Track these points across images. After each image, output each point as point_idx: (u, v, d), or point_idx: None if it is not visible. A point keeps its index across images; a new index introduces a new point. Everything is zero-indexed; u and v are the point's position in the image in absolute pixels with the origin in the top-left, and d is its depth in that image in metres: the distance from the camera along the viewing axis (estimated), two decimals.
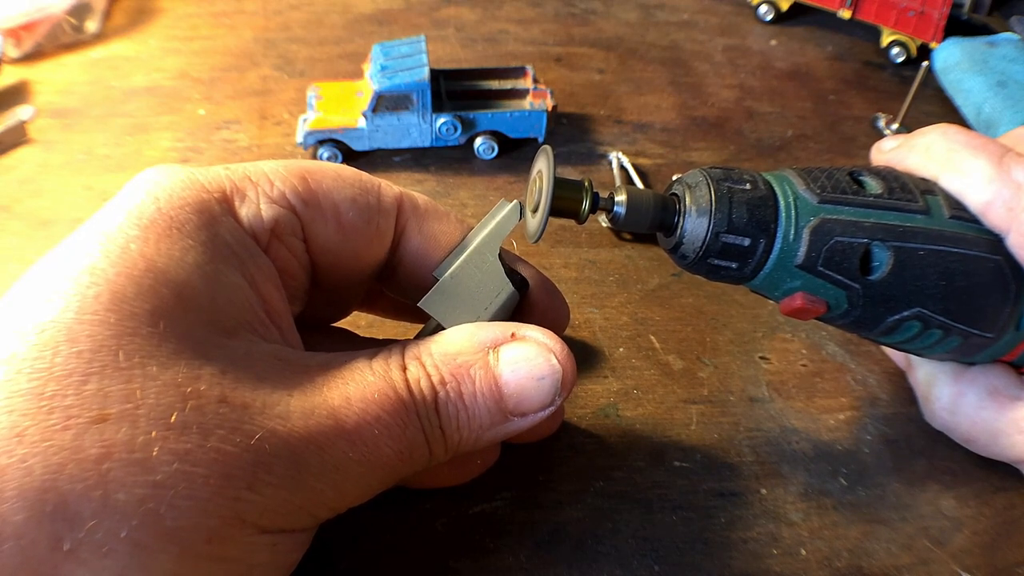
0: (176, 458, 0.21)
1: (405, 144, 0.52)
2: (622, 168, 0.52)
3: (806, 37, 0.68)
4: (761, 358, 0.41)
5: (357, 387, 0.25)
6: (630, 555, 0.32)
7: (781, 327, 0.43)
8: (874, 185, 0.30)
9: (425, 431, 0.26)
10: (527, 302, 0.32)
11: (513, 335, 0.28)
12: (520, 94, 0.54)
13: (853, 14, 0.66)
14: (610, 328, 0.42)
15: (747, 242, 0.28)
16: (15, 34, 0.58)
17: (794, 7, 0.68)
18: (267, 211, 0.27)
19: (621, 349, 0.41)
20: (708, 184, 0.28)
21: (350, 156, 0.52)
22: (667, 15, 0.70)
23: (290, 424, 0.23)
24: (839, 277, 0.29)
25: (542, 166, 0.29)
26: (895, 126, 0.56)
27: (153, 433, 0.21)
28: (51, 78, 0.58)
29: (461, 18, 0.67)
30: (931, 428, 0.37)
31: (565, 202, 0.29)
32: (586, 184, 0.29)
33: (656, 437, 0.37)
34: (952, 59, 0.59)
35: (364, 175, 0.30)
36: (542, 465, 0.35)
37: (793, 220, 0.28)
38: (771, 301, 0.31)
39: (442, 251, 0.31)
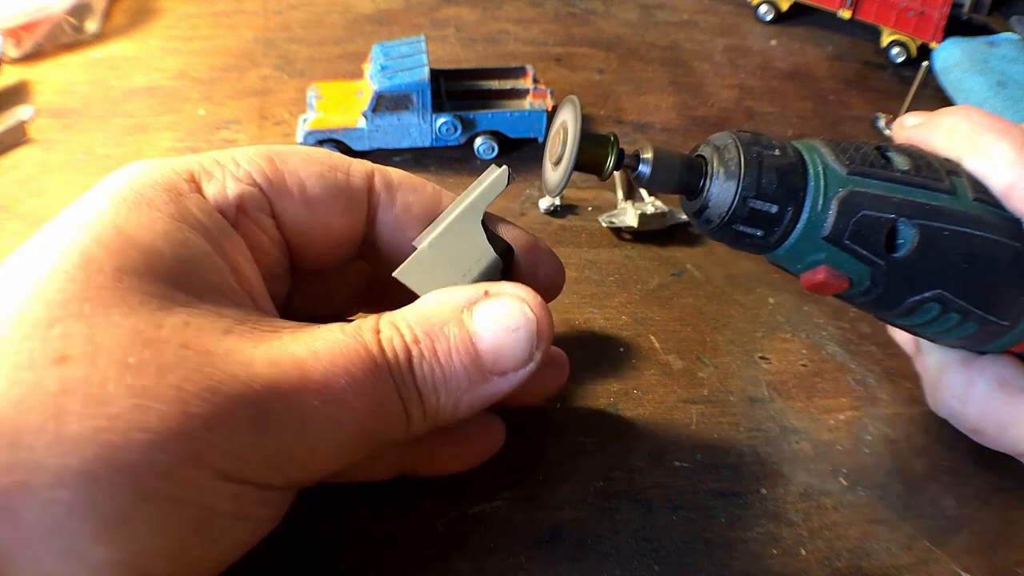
0: (132, 394, 0.21)
1: (405, 144, 0.52)
2: None
3: (806, 37, 0.68)
4: (761, 358, 0.41)
5: (325, 343, 0.25)
6: (630, 555, 0.32)
7: (781, 327, 0.43)
8: (901, 161, 0.29)
9: (399, 389, 0.26)
10: (515, 267, 0.32)
11: (487, 293, 0.28)
12: (520, 94, 0.54)
13: (853, 14, 0.66)
14: (610, 328, 0.42)
15: (775, 209, 0.27)
16: (15, 34, 0.58)
17: (794, 7, 0.68)
18: (232, 188, 0.28)
19: (621, 349, 0.41)
20: (737, 147, 0.28)
21: (350, 156, 0.52)
22: (667, 15, 0.70)
23: (253, 370, 0.23)
24: (864, 252, 0.28)
25: (567, 117, 0.28)
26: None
27: (111, 372, 0.21)
28: (51, 78, 0.58)
29: (461, 18, 0.67)
30: (931, 428, 0.37)
31: (590, 156, 0.28)
32: (612, 139, 0.28)
33: (656, 437, 0.37)
34: (952, 59, 0.59)
35: (336, 155, 0.31)
36: (542, 465, 0.35)
37: (822, 190, 0.27)
38: (784, 280, 0.31)
39: (418, 221, 0.31)
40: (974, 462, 0.36)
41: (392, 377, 0.26)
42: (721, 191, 0.28)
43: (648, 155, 0.28)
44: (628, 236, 0.48)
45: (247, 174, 0.29)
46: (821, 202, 0.27)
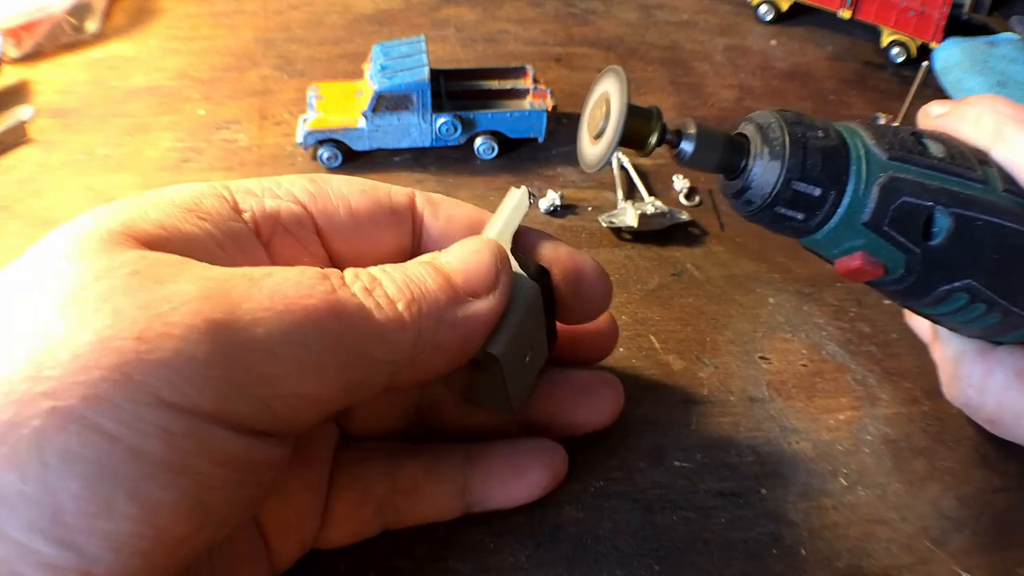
0: (62, 317, 0.21)
1: (405, 144, 0.52)
2: (622, 168, 0.52)
3: (806, 37, 0.68)
4: (761, 358, 0.41)
5: (282, 271, 0.24)
6: (630, 555, 0.32)
7: (781, 327, 0.43)
8: (936, 149, 0.29)
9: (364, 294, 0.24)
10: (556, 290, 0.31)
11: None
12: (520, 94, 0.54)
13: (853, 14, 0.66)
14: None
15: (818, 192, 0.27)
16: (15, 34, 0.58)
17: (794, 7, 0.68)
18: (270, 204, 0.28)
19: (621, 349, 0.41)
20: (782, 127, 0.27)
21: (350, 156, 0.52)
22: (667, 15, 0.70)
23: (199, 280, 0.22)
24: (902, 239, 0.27)
25: (610, 87, 0.28)
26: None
27: (50, 304, 0.21)
28: (51, 78, 0.58)
29: (461, 18, 0.67)
30: (931, 428, 0.37)
31: (635, 132, 0.27)
32: (656, 112, 0.28)
33: (656, 437, 0.37)
34: (952, 59, 0.59)
35: (375, 181, 0.31)
36: None
37: (864, 175, 0.27)
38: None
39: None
40: (974, 462, 0.36)
41: (355, 292, 0.24)
42: (765, 172, 0.27)
43: (692, 131, 0.27)
44: (628, 236, 0.48)
45: (288, 192, 0.28)
46: (863, 187, 0.27)
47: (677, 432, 0.37)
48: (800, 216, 0.27)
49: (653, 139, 0.27)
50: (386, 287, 0.25)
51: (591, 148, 0.28)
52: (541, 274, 0.30)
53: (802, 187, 0.27)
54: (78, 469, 0.19)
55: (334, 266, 0.29)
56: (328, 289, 0.23)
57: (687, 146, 0.28)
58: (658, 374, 0.40)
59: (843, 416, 0.38)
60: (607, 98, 0.28)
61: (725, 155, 0.28)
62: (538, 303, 0.30)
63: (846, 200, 0.27)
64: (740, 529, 0.33)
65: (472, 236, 0.29)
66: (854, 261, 0.28)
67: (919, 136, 0.29)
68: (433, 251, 0.30)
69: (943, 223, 0.28)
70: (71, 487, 0.19)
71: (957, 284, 0.29)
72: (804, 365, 0.41)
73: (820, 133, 0.27)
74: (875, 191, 0.27)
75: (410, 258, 0.30)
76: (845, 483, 0.35)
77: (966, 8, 0.65)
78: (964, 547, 0.33)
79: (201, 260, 0.24)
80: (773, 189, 0.27)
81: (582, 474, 0.35)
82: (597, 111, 0.28)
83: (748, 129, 0.28)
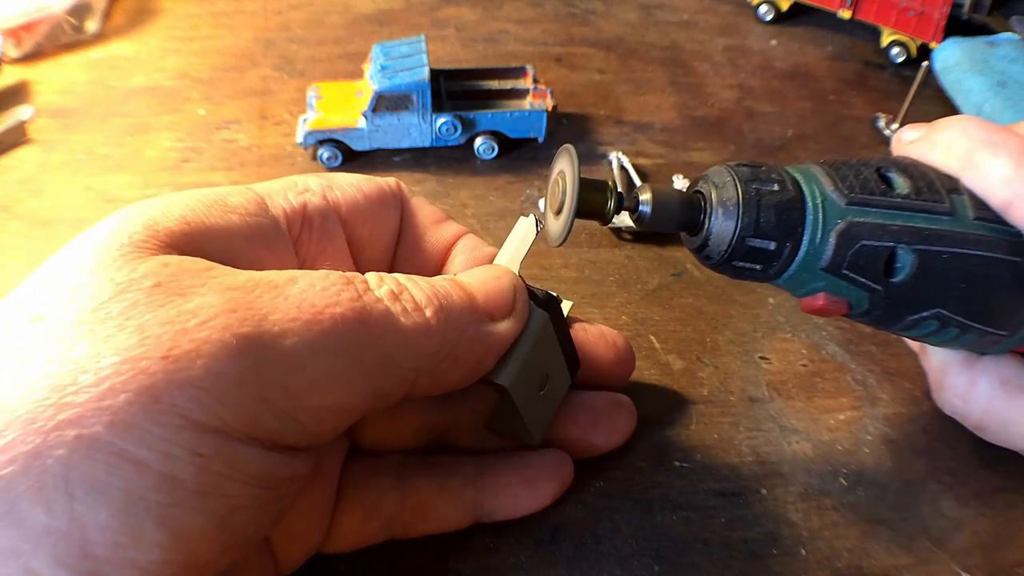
0: (85, 337, 0.20)
1: (405, 144, 0.52)
2: (622, 168, 0.52)
3: (806, 37, 0.68)
4: (761, 358, 0.41)
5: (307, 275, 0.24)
6: (630, 555, 0.32)
7: (781, 327, 0.43)
8: (902, 184, 0.29)
9: (390, 299, 0.24)
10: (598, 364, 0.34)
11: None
12: (520, 94, 0.54)
13: (853, 14, 0.66)
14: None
15: (773, 246, 0.28)
16: (15, 34, 0.58)
17: (794, 7, 0.68)
18: (296, 199, 0.28)
19: None
20: (735, 185, 0.28)
21: (350, 156, 0.52)
22: (667, 15, 0.70)
23: (224, 287, 0.22)
24: (863, 280, 0.28)
25: (564, 166, 0.29)
26: (895, 126, 0.56)
27: (74, 323, 0.20)
28: (51, 78, 0.58)
29: (461, 18, 0.67)
30: (931, 428, 0.37)
31: (590, 203, 0.29)
32: (610, 184, 0.29)
33: (656, 437, 0.37)
34: (952, 59, 0.59)
35: (367, 175, 0.32)
36: None
37: (820, 224, 0.28)
38: (791, 296, 0.31)
39: (427, 222, 0.32)
40: (974, 462, 0.36)
41: (381, 296, 0.24)
42: (720, 230, 0.28)
43: (646, 196, 0.29)
44: (628, 236, 0.48)
45: (306, 187, 0.29)
46: (820, 235, 0.28)
47: (677, 432, 0.37)
48: (758, 267, 0.29)
49: (610, 208, 0.29)
50: (413, 293, 0.25)
51: (554, 223, 0.30)
52: (549, 301, 0.31)
53: (757, 243, 0.28)
54: (106, 499, 0.18)
55: (352, 254, 0.30)
56: (353, 296, 0.23)
57: (645, 209, 0.29)
58: (658, 374, 0.40)
59: (843, 416, 0.38)
60: (563, 175, 0.29)
61: (683, 215, 0.29)
62: (548, 330, 0.30)
63: (802, 250, 0.28)
64: (740, 529, 0.33)
65: (489, 264, 0.30)
66: (817, 301, 0.29)
67: (884, 171, 0.30)
68: (411, 235, 0.32)
69: (906, 260, 0.28)
70: (99, 518, 0.18)
71: (925, 313, 0.29)
72: (804, 365, 0.41)
73: (775, 187, 0.28)
74: (832, 238, 0.28)
75: (396, 241, 0.32)
76: (845, 483, 0.35)
77: (966, 8, 0.65)
78: (964, 547, 0.33)
79: (227, 256, 0.24)
80: (729, 246, 0.28)
81: (582, 474, 0.35)
82: (556, 188, 0.30)
83: (704, 187, 0.29)
